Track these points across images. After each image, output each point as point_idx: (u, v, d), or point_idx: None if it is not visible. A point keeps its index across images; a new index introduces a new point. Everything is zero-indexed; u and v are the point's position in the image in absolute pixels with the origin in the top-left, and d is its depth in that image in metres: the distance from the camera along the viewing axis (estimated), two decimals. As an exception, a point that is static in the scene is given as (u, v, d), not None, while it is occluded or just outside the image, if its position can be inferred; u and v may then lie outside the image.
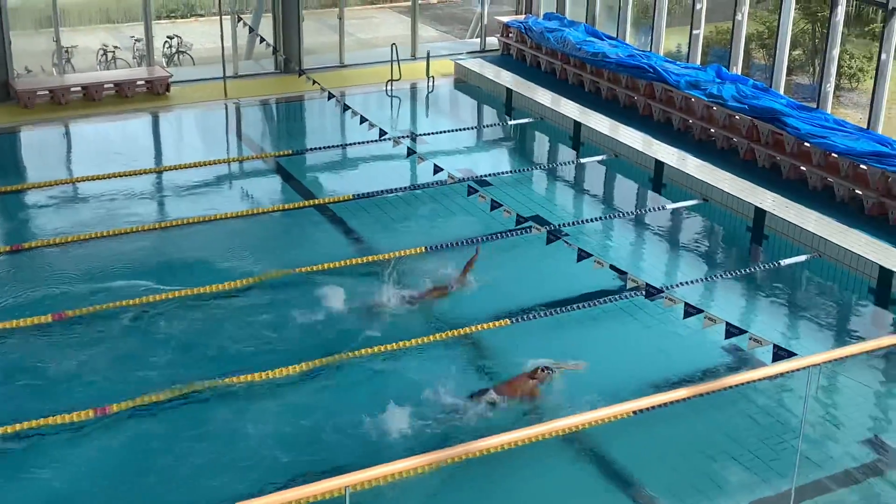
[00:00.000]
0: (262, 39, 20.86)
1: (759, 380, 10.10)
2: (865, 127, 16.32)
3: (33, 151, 18.16)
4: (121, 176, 16.21)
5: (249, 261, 13.51)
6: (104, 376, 10.89)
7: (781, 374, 9.89)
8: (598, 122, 18.39)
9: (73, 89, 19.65)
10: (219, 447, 9.84)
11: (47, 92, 19.43)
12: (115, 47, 22.19)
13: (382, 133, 16.47)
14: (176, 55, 22.84)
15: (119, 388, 10.59)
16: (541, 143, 19.20)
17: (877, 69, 16.36)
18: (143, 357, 11.26)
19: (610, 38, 21.00)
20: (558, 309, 12.32)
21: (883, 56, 16.14)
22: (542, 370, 10.72)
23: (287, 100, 20.47)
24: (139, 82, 20.15)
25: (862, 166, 14.99)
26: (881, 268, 13.00)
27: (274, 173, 16.96)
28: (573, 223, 14.75)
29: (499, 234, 14.11)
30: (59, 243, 13.87)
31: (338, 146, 18.15)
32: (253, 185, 16.54)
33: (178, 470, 9.53)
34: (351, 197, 15.66)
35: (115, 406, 10.22)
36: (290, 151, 17.70)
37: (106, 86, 19.92)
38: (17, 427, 9.90)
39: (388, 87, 20.81)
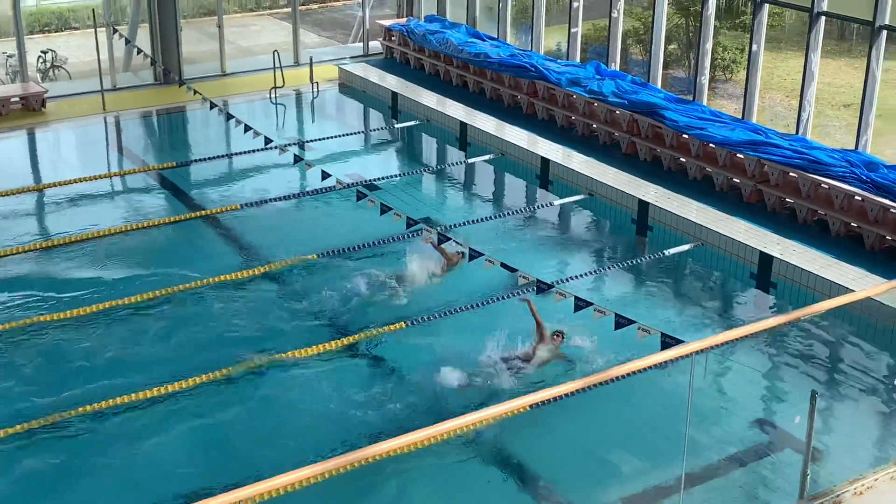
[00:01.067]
0: (140, 51, 20.49)
1: (648, 368, 10.33)
2: (740, 117, 16.86)
3: None
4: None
5: (139, 275, 13.26)
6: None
7: (669, 361, 10.13)
8: (484, 122, 18.57)
9: (-58, 108, 18.99)
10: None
11: (-85, 112, 18.72)
12: (-14, 64, 21.52)
13: (268, 141, 16.32)
14: (51, 70, 22.22)
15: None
16: (428, 145, 19.29)
17: (749, 60, 16.92)
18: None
19: (491, 38, 21.22)
20: (451, 310, 12.41)
21: (754, 47, 16.70)
22: (557, 335, 11.48)
23: (168, 111, 20.11)
24: (13, 99, 19.56)
25: (739, 155, 15.48)
26: (761, 253, 13.45)
27: (158, 186, 16.65)
28: (464, 223, 14.87)
29: (390, 239, 14.13)
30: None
31: (223, 156, 17.92)
32: (137, 199, 16.20)
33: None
34: (239, 206, 15.48)
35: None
36: (174, 163, 17.40)
37: (-22, 104, 19.30)
38: None
39: (272, 95, 20.65)
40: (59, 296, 12.77)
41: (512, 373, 11.08)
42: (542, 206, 15.70)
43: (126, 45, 21.36)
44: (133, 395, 10.65)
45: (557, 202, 15.75)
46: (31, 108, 19.52)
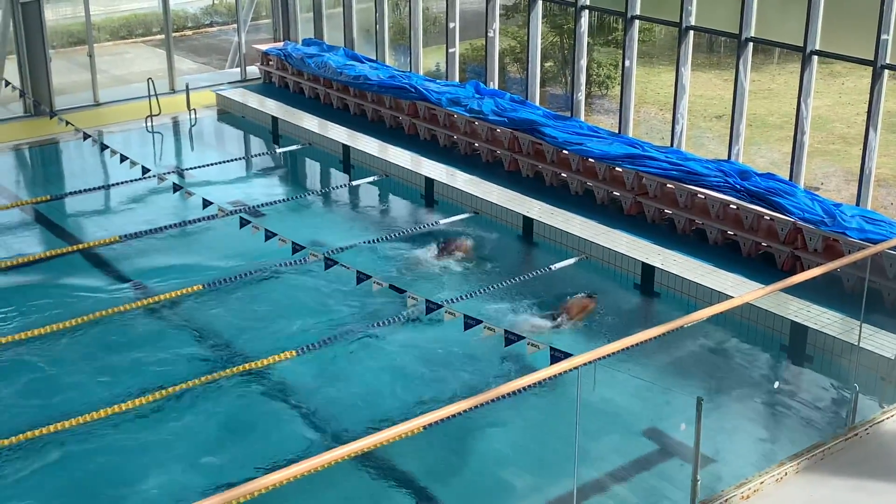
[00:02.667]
0: (7, 83, 19.85)
1: (537, 382, 10.41)
2: (617, 131, 17.23)
3: None
4: None
5: (13, 316, 12.81)
6: None
7: (557, 375, 10.23)
8: (367, 144, 18.55)
9: None
10: None
11: None
12: None
13: (146, 170, 16.02)
14: (-88, 104, 21.34)
15: None
16: (311, 169, 19.17)
17: (622, 75, 17.31)
18: None
19: (370, 60, 21.24)
20: (340, 334, 12.33)
21: (627, 63, 17.09)
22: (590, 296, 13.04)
23: (40, 143, 19.51)
24: None
25: (617, 169, 15.80)
26: (643, 264, 13.73)
27: (32, 221, 16.12)
28: (350, 246, 14.79)
29: (277, 264, 13.96)
30: None
31: (100, 188, 17.44)
32: (11, 235, 15.63)
33: None
34: (118, 238, 15.10)
35: None
36: (48, 197, 16.88)
37: None
38: None
39: (149, 123, 20.23)
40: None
41: None
42: (428, 226, 15.72)
43: (-8, 76, 20.68)
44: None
45: (443, 221, 15.81)
46: None
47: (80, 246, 14.95)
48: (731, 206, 14.37)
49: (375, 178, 17.69)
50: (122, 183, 17.11)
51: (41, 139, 19.56)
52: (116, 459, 10.27)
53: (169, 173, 17.16)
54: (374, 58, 21.71)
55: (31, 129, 19.96)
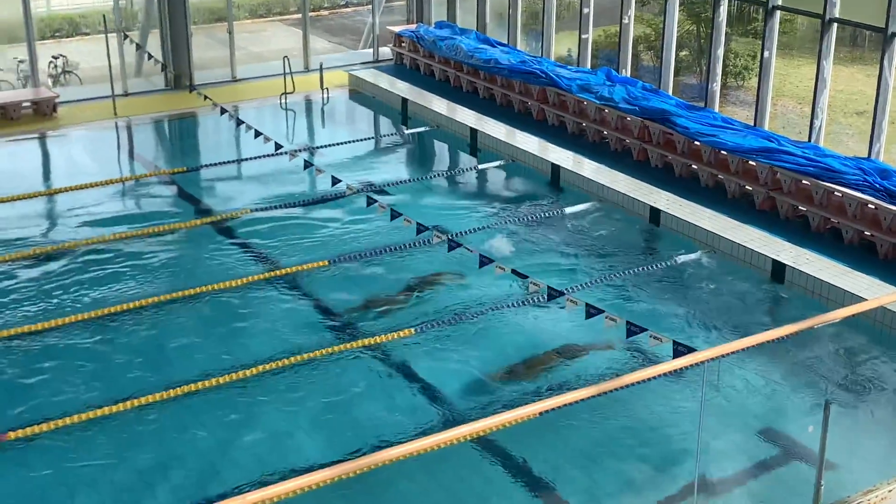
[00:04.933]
0: (151, 56, 20.51)
1: (659, 376, 10.28)
2: (752, 124, 16.79)
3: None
4: (9, 200, 15.75)
5: (149, 280, 13.26)
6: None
7: (681, 370, 10.07)
8: (494, 129, 18.53)
9: (-46, 113, 19.03)
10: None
11: (-74, 117, 18.78)
12: (-1, 69, 21.58)
13: (278, 147, 16.36)
14: (62, 75, 22.26)
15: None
16: (438, 151, 19.26)
17: (760, 67, 16.86)
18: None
19: (501, 44, 21.20)
20: (464, 316, 12.37)
21: (765, 54, 16.64)
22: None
23: (179, 116, 20.12)
24: (25, 104, 19.60)
25: (751, 162, 15.41)
26: (774, 261, 13.37)
27: (169, 191, 16.65)
28: (474, 230, 14.82)
29: (400, 245, 14.10)
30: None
31: (233, 161, 17.91)
32: (148, 204, 16.18)
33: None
34: (248, 212, 15.47)
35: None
36: (185, 168, 17.40)
37: (-11, 108, 19.34)
38: None
39: (283, 100, 20.64)
40: (68, 299, 12.76)
41: None
42: (553, 214, 15.63)
43: (137, 50, 21.39)
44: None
45: (569, 209, 15.69)
46: (42, 113, 19.56)
47: (212, 218, 15.37)
48: (870, 205, 13.85)
49: (501, 162, 17.67)
50: (254, 158, 17.52)
51: (180, 112, 20.17)
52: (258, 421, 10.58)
53: (300, 150, 17.48)
54: (506, 42, 21.65)
55: (171, 102, 20.60)
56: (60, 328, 12.07)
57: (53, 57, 22.26)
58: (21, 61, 21.24)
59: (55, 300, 12.77)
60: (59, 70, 22.23)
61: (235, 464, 9.88)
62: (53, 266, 13.67)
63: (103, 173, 17.07)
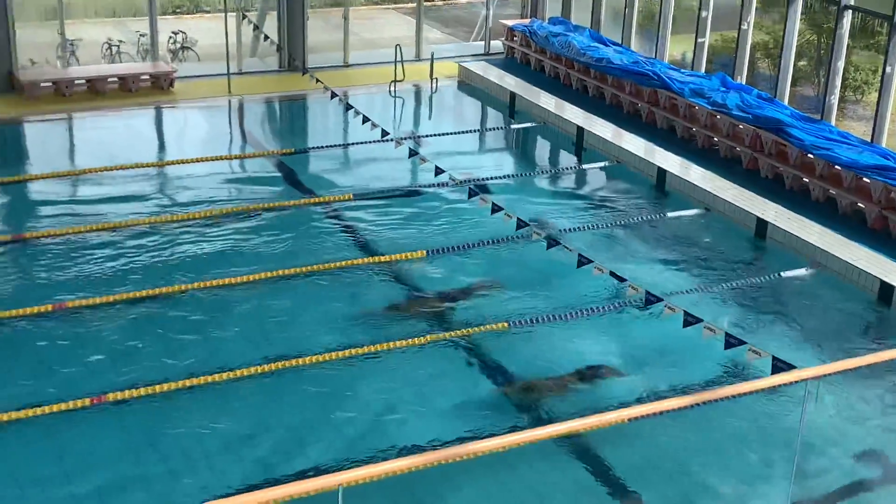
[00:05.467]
0: (267, 37, 20.85)
1: (757, 391, 10.08)
2: (869, 140, 16.30)
3: (37, 143, 18.17)
4: (123, 169, 16.21)
5: (249, 258, 13.50)
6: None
7: (778, 386, 9.86)
8: (602, 128, 18.36)
9: (77, 82, 19.63)
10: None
11: (51, 84, 19.41)
12: (120, 41, 22.15)
13: (385, 133, 16.47)
14: (180, 51, 22.80)
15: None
16: (543, 148, 19.17)
17: (881, 82, 16.35)
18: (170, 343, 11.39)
19: (615, 43, 20.98)
20: (559, 314, 12.30)
21: (888, 69, 16.13)
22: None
23: (290, 98, 20.43)
24: (143, 77, 20.13)
25: (865, 179, 14.96)
26: (882, 282, 12.97)
27: (275, 171, 16.92)
28: (574, 229, 14.71)
29: (499, 239, 14.08)
30: (57, 234, 13.85)
31: (340, 145, 18.12)
32: (254, 183, 16.47)
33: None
34: (351, 197, 15.62)
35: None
36: (293, 150, 17.67)
37: (110, 79, 19.90)
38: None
39: (392, 88, 20.78)
40: (171, 270, 13.08)
41: None
42: (655, 218, 15.42)
43: (254, 31, 21.78)
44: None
45: (671, 214, 15.46)
46: (159, 87, 20.06)
47: (315, 199, 15.56)
48: None
49: (606, 163, 17.50)
50: (360, 143, 17.69)
51: (291, 94, 20.48)
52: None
53: (406, 138, 17.59)
54: (619, 41, 21.43)
55: (284, 83, 20.93)
56: (161, 297, 12.36)
57: (173, 32, 22.81)
58: (142, 35, 21.82)
59: (159, 269, 13.08)
60: (179, 45, 22.77)
61: (322, 439, 10.00)
62: (158, 237, 14.00)
63: (213, 149, 17.44)
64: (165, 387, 10.50)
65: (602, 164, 17.48)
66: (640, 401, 10.57)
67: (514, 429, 10.03)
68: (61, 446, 9.68)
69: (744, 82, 18.91)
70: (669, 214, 15.48)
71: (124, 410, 10.23)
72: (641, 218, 15.45)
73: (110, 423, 10.05)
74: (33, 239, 13.77)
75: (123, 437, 9.88)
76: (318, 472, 9.21)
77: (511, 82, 20.89)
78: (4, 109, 18.59)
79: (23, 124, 18.33)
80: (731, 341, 10.29)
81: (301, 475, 9.21)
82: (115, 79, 19.95)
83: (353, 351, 11.36)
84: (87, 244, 13.65)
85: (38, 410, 10.02)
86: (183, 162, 16.71)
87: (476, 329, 11.90)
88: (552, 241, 12.73)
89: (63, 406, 10.10)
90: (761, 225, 14.72)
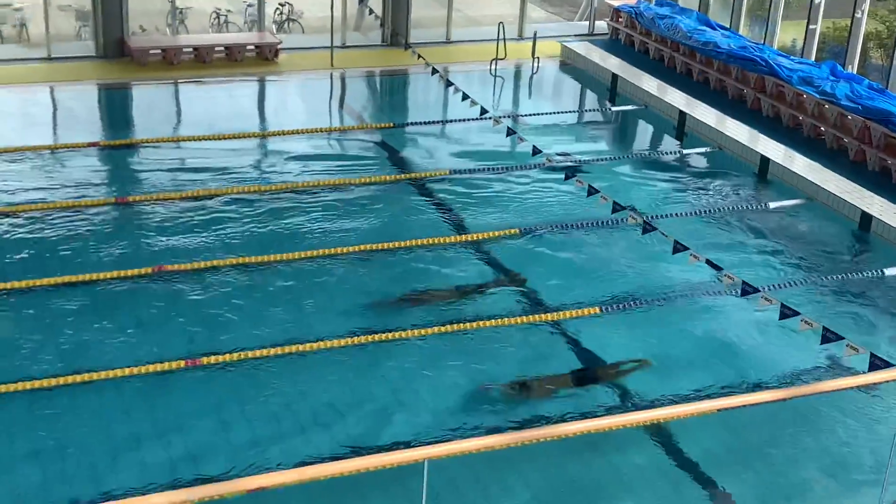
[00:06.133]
0: (371, 11, 20.96)
1: (852, 388, 9.83)
2: None
3: (143, 109, 18.63)
4: (223, 138, 16.50)
5: (342, 231, 13.63)
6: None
7: (877, 384, 9.60)
8: (704, 114, 18.03)
9: (184, 50, 20.04)
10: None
11: (160, 51, 19.85)
12: (228, 11, 22.53)
13: (483, 111, 16.44)
14: (286, 22, 23.09)
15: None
16: (643, 131, 18.92)
17: None
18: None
19: (722, 27, 20.55)
20: (650, 300, 12.16)
21: None
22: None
23: (391, 73, 20.54)
24: (249, 47, 20.44)
25: (979, 176, 14.42)
26: None
27: (374, 145, 17.04)
28: (671, 215, 14.50)
29: (594, 222, 13.97)
30: (158, 199, 14.19)
31: (438, 122, 18.16)
32: (352, 156, 16.62)
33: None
34: (447, 173, 15.65)
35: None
36: (391, 124, 17.76)
37: (217, 48, 20.26)
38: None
39: (493, 66, 20.72)
40: (266, 238, 13.29)
41: None
42: (756, 208, 15.10)
43: (359, 5, 21.92)
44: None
45: (773, 204, 15.12)
46: (264, 57, 20.35)
47: (410, 175, 15.63)
48: None
49: (708, 149, 17.18)
50: (459, 120, 17.69)
51: (392, 68, 20.58)
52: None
53: (504, 117, 17.53)
54: (728, 26, 20.97)
55: (386, 57, 21.04)
56: (255, 266, 12.56)
57: (280, 4, 23.11)
58: (250, 5, 22.16)
59: (255, 238, 13.30)
60: (285, 17, 23.07)
61: (408, 409, 10.09)
62: (254, 206, 14.22)
63: (312, 122, 17.65)
64: (258, 353, 10.69)
65: (703, 149, 17.17)
66: (731, 392, 10.40)
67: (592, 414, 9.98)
68: (154, 405, 9.93)
69: (854, 72, 18.36)
70: (770, 204, 15.14)
71: (216, 374, 10.45)
72: (741, 206, 15.13)
73: (202, 386, 10.27)
74: (135, 202, 14.13)
75: (214, 399, 10.09)
76: (403, 445, 9.30)
77: (614, 63, 20.63)
78: (115, 74, 19.10)
79: (131, 89, 18.82)
80: (828, 336, 10.04)
81: (386, 448, 9.27)
82: (222, 48, 20.31)
83: (449, 327, 11.40)
84: (187, 210, 13.95)
85: (136, 370, 10.30)
86: (282, 133, 16.94)
87: (570, 313, 11.83)
88: (648, 227, 12.56)
89: (158, 367, 10.36)
90: (865, 219, 14.30)
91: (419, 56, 19.00)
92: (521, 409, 10.18)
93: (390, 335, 11.17)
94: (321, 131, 17.31)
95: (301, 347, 10.85)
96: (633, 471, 9.49)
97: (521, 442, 8.50)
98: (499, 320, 11.59)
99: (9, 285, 11.70)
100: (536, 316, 11.78)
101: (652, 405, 10.08)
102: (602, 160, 16.67)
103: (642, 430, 9.78)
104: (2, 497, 8.58)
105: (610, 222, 13.75)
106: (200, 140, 16.41)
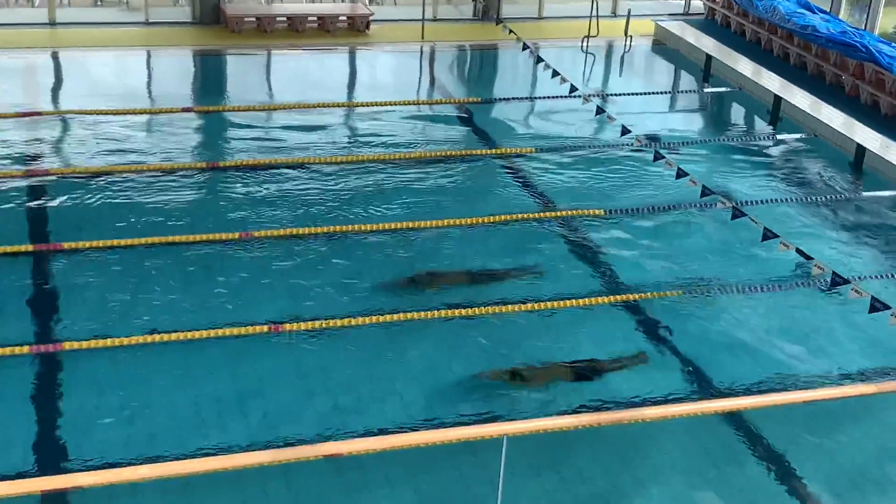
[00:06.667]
0: (466, -14, 20.93)
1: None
2: None
3: (236, 76, 18.89)
4: (313, 107, 16.65)
5: (428, 204, 13.67)
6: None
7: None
8: (801, 99, 17.61)
9: (278, 19, 20.24)
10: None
11: (254, 19, 20.08)
12: (323, -19, 22.69)
13: (573, 89, 16.29)
14: (379, -6, 23.17)
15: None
16: (736, 114, 18.57)
17: None
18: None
19: (822, 11, 20.02)
20: (739, 287, 11.97)
21: None
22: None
23: (481, 47, 20.46)
24: (341, 17, 20.56)
25: None
26: None
27: (460, 120, 17.02)
28: (762, 202, 14.21)
29: (682, 205, 13.77)
30: (248, 165, 14.38)
31: (527, 98, 18.05)
32: (437, 130, 16.62)
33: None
34: (534, 150, 15.57)
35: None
36: (480, 99, 17.71)
37: (310, 18, 20.42)
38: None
39: (584, 44, 20.50)
40: (353, 207, 13.38)
41: None
42: (849, 198, 14.72)
43: (452, -23, 21.90)
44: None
45: (867, 194, 14.74)
46: (356, 28, 20.46)
47: (496, 150, 15.58)
48: None
49: (802, 135, 16.79)
50: (548, 97, 17.57)
51: (483, 43, 20.51)
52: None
53: (594, 95, 17.35)
54: (828, 10, 20.42)
55: (476, 32, 20.98)
56: (339, 235, 12.66)
57: (373, -24, 23.17)
58: (344, -24, 22.27)
59: (341, 207, 13.41)
60: (377, -11, 23.14)
61: (489, 387, 10.10)
62: (341, 176, 14.31)
63: (401, 94, 17.68)
64: (339, 322, 10.79)
65: (798, 135, 16.79)
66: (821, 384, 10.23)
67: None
68: (237, 368, 10.11)
69: (961, 60, 17.71)
70: (865, 194, 14.75)
71: (298, 341, 10.59)
72: (834, 195, 14.77)
73: (284, 352, 10.42)
74: (227, 168, 14.36)
75: (295, 365, 10.23)
76: (481, 420, 9.33)
77: (708, 44, 20.26)
78: (210, 40, 19.39)
79: (225, 56, 19.09)
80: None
81: (462, 424, 9.30)
82: (315, 18, 20.46)
83: (527, 306, 11.37)
84: (275, 178, 14.13)
85: (220, 332, 10.48)
86: (372, 104, 17.02)
87: (647, 295, 11.71)
88: (738, 212, 12.34)
89: (242, 330, 10.54)
90: (965, 213, 13.87)
91: (510, 31, 18.89)
92: (612, 387, 10.13)
93: (472, 311, 11.18)
94: (409, 103, 17.35)
95: (381, 318, 10.91)
96: (711, 461, 9.40)
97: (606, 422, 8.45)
98: (580, 300, 11.51)
99: (100, 243, 11.99)
100: (614, 297, 11.69)
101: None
102: (692, 143, 16.41)
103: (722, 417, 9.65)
104: (89, 453, 8.82)
105: (699, 206, 13.54)
106: (290, 109, 16.59)
